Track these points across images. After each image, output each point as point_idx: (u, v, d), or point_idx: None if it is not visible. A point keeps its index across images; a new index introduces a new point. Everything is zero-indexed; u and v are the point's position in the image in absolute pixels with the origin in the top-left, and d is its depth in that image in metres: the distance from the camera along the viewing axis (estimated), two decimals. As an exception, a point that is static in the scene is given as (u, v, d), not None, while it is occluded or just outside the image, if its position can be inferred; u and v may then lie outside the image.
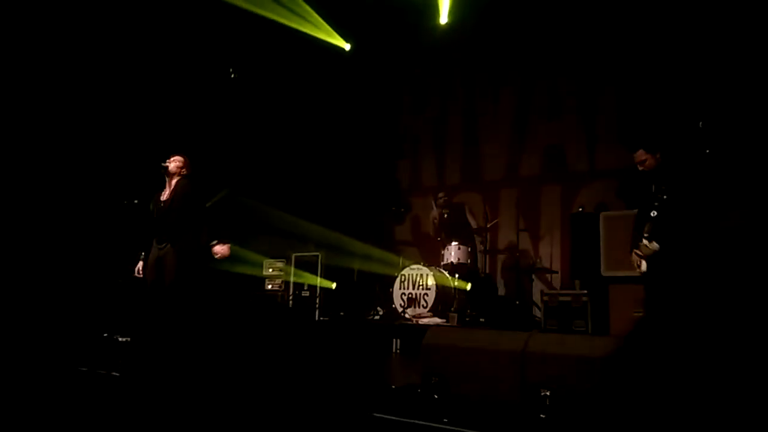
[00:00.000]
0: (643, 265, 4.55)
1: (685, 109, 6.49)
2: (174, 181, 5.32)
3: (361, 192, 9.08)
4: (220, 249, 5.07)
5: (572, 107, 7.74)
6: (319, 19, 8.09)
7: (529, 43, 7.94)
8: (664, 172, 4.60)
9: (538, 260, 7.73)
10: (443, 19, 7.71)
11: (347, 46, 8.52)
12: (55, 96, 7.24)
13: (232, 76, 7.91)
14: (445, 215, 7.47)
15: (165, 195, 5.30)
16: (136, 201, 6.44)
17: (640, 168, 4.73)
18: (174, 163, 5.30)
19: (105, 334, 5.92)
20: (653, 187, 4.59)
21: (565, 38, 7.65)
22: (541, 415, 3.49)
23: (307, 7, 7.90)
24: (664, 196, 4.46)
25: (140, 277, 5.23)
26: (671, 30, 6.81)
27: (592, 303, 6.11)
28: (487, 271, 7.71)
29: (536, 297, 7.36)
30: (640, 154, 4.71)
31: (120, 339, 5.85)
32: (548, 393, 3.71)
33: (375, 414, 3.47)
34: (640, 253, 4.52)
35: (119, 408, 3.70)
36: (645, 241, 4.49)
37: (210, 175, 6.25)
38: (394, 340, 6.52)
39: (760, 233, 5.14)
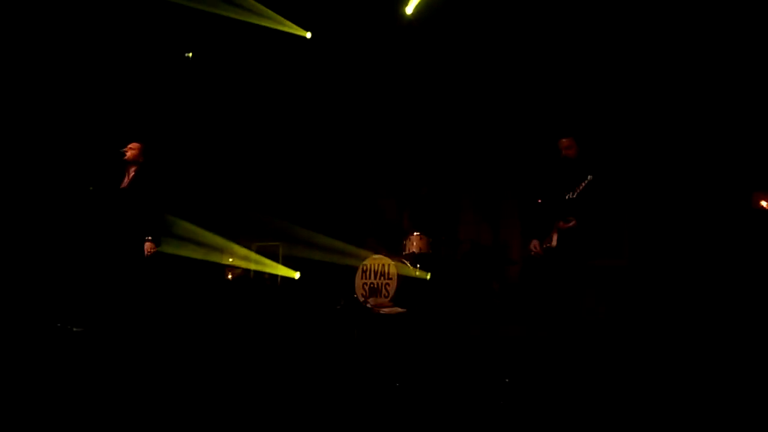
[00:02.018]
0: (554, 240, 5.02)
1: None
2: (132, 169, 5.26)
3: (325, 183, 9.04)
4: (149, 247, 5.15)
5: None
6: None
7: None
8: (585, 161, 5.01)
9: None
10: (409, 9, 7.66)
11: (308, 34, 8.42)
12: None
13: (189, 56, 7.79)
14: (422, 204, 7.49)
15: (124, 183, 5.24)
16: (91, 188, 6.36)
17: (563, 154, 5.10)
18: (131, 151, 5.25)
19: (58, 324, 5.77)
20: (571, 173, 4.98)
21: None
22: (501, 402, 3.56)
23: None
24: (586, 181, 4.83)
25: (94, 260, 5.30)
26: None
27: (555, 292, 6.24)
28: (449, 261, 7.79)
29: (496, 287, 7.49)
30: (570, 143, 5.02)
31: (75, 329, 5.72)
32: (508, 380, 3.79)
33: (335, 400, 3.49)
34: (560, 226, 4.93)
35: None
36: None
37: (170, 163, 6.17)
38: (355, 329, 6.55)
39: None
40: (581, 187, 4.89)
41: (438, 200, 7.71)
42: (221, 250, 7.95)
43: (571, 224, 4.91)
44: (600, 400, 3.47)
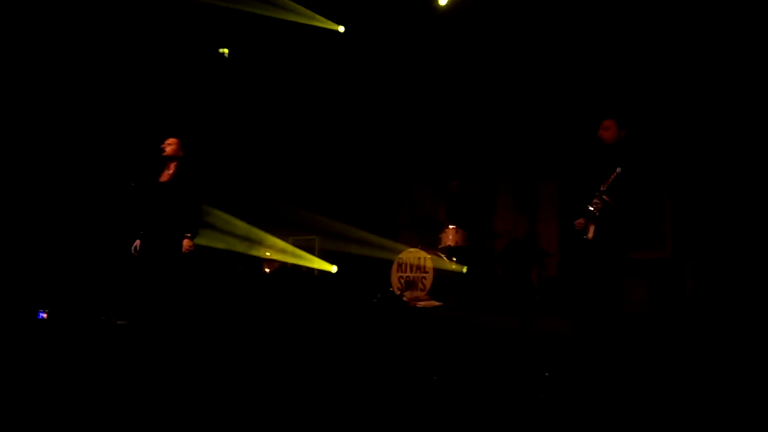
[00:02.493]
0: (591, 232, 4.83)
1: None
2: (172, 164, 5.35)
3: (360, 178, 9.06)
4: (187, 244, 5.19)
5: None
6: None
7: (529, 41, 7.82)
8: (620, 147, 4.83)
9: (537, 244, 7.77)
10: (442, 0, 7.61)
11: (341, 28, 8.42)
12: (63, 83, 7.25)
13: (225, 52, 7.92)
14: (455, 198, 7.47)
15: (164, 177, 5.33)
16: (132, 183, 6.50)
17: (599, 133, 4.94)
18: (170, 146, 5.36)
19: (103, 318, 5.91)
20: (605, 157, 4.84)
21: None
22: (540, 396, 3.52)
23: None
24: (615, 174, 4.70)
25: (136, 256, 5.38)
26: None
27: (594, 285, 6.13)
28: (485, 254, 7.73)
29: (534, 280, 7.42)
30: (609, 123, 4.88)
31: (118, 322, 5.85)
32: (547, 374, 3.74)
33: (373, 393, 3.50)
34: (592, 207, 4.79)
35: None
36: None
37: (208, 157, 6.27)
38: (392, 322, 6.56)
39: None
40: (610, 180, 4.78)
41: (471, 193, 7.66)
42: (260, 243, 8.04)
43: (597, 207, 4.80)
44: (639, 395, 3.40)
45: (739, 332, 4.33)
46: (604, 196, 4.75)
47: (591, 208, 4.82)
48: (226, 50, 7.92)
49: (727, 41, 6.30)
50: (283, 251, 8.08)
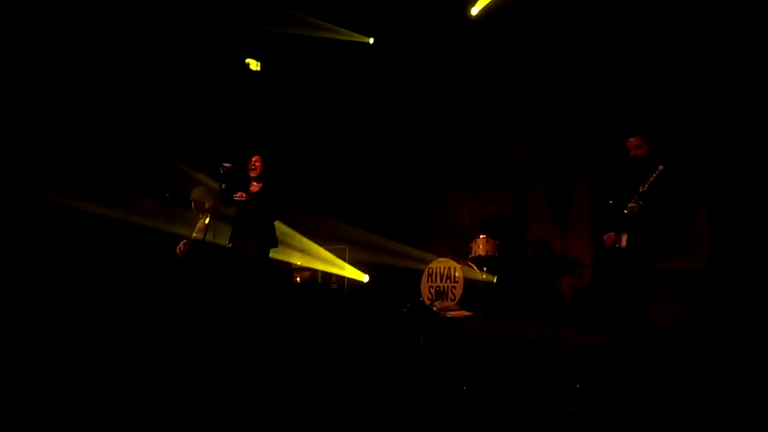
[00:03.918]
0: (624, 241, 4.85)
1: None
2: (258, 183, 5.72)
3: (391, 187, 9.09)
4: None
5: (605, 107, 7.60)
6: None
7: (563, 43, 7.77)
8: (656, 161, 4.80)
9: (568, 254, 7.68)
10: (474, 10, 7.62)
11: (371, 40, 8.51)
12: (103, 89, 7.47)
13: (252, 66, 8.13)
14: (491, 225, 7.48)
15: (253, 188, 5.68)
16: (167, 194, 6.72)
17: (632, 154, 4.94)
18: (258, 163, 5.71)
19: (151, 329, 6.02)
20: (642, 174, 4.81)
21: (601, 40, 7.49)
22: (572, 408, 3.47)
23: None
24: (657, 172, 4.69)
25: (178, 258, 5.81)
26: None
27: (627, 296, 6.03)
28: (516, 264, 7.67)
29: (566, 291, 7.32)
30: (638, 141, 4.91)
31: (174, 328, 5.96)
32: (578, 386, 3.69)
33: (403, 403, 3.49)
34: (626, 211, 4.79)
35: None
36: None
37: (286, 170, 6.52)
38: (422, 332, 6.54)
39: None
40: (652, 178, 4.72)
41: (508, 221, 7.62)
42: (302, 251, 8.09)
43: (633, 210, 4.74)
44: (672, 409, 3.33)
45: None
46: (640, 201, 4.70)
47: (626, 212, 4.76)
48: (252, 61, 8.07)
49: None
50: (318, 257, 8.12)
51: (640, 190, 4.73)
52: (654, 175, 4.71)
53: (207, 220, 6.21)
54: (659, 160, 4.82)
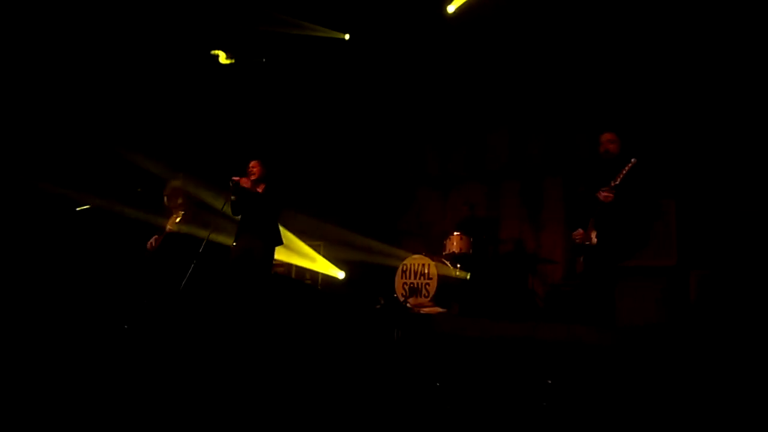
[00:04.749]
0: (593, 238, 4.92)
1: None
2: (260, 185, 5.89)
3: (363, 184, 9.07)
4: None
5: (578, 103, 7.68)
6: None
7: (539, 38, 7.83)
8: (627, 157, 4.87)
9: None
10: (451, 8, 7.63)
11: (347, 36, 8.48)
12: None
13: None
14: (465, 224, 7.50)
15: (259, 189, 5.87)
16: (139, 190, 6.65)
17: (603, 148, 5.02)
18: (257, 168, 5.90)
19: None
20: (613, 169, 4.88)
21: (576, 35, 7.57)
22: (544, 403, 3.51)
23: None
24: (630, 164, 4.74)
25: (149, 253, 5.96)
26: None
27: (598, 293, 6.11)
28: (489, 261, 7.72)
29: (538, 288, 7.40)
30: (613, 137, 4.99)
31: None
32: (550, 382, 3.73)
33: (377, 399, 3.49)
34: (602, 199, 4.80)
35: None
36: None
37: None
38: (396, 329, 6.54)
39: None
40: (625, 172, 4.76)
41: (481, 220, 7.66)
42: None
43: (609, 199, 4.78)
44: (643, 404, 3.38)
45: (738, 342, 4.31)
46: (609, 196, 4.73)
47: (601, 199, 4.78)
48: (222, 54, 8.01)
49: (734, 46, 6.30)
50: (297, 252, 8.07)
51: (612, 184, 4.77)
52: (627, 168, 4.76)
53: (179, 218, 6.18)
54: (630, 156, 4.89)
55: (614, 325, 4.89)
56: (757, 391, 3.40)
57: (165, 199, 6.41)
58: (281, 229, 6.14)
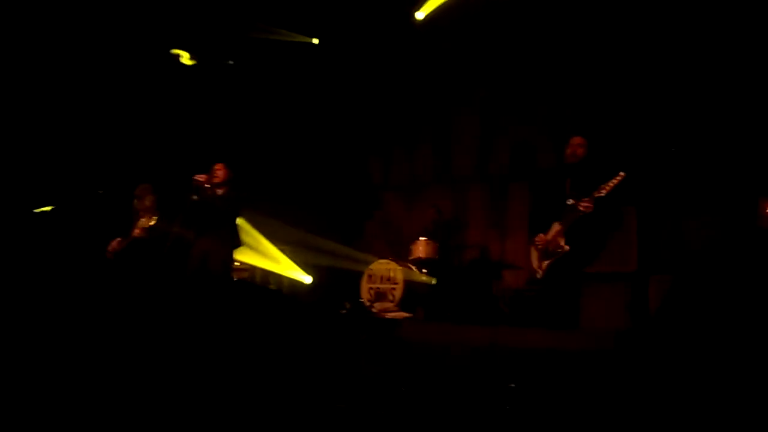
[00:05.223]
0: (563, 243, 4.96)
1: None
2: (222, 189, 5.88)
3: (329, 189, 9.05)
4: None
5: (542, 108, 7.79)
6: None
7: (503, 46, 7.94)
8: (592, 162, 4.99)
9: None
10: (420, 14, 7.69)
11: (315, 40, 8.47)
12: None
13: (230, 63, 8.05)
14: (431, 228, 7.51)
15: (221, 192, 5.87)
16: (101, 191, 6.50)
17: (568, 151, 5.08)
18: (220, 171, 5.89)
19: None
20: (578, 173, 4.99)
21: (538, 42, 7.69)
22: (507, 407, 3.53)
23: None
24: (618, 178, 4.74)
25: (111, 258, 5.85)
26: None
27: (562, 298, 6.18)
28: (455, 266, 7.76)
29: (502, 293, 7.46)
30: (582, 141, 5.03)
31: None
32: (513, 385, 3.76)
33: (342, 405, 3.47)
34: (582, 209, 4.82)
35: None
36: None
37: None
38: (361, 333, 6.53)
39: None
40: (612, 185, 4.75)
41: (448, 223, 7.71)
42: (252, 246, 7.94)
43: (588, 210, 4.78)
44: (605, 406, 3.43)
45: (696, 345, 4.41)
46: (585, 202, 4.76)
47: (581, 210, 4.78)
48: (185, 54, 7.93)
49: (697, 52, 6.47)
50: (264, 254, 7.97)
51: (596, 195, 4.76)
52: (615, 181, 4.73)
53: (153, 222, 6.05)
54: (595, 161, 4.96)
55: (578, 330, 4.95)
56: (714, 392, 3.49)
57: (134, 201, 6.26)
58: (251, 229, 6.12)
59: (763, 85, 5.98)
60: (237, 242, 5.97)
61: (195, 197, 5.72)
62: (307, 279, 8.05)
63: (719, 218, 5.93)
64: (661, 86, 6.66)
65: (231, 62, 8.46)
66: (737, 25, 6.17)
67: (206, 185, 5.70)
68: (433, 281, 7.18)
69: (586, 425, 3.19)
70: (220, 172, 5.88)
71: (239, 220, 6.14)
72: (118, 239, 6.15)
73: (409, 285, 6.95)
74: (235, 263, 7.97)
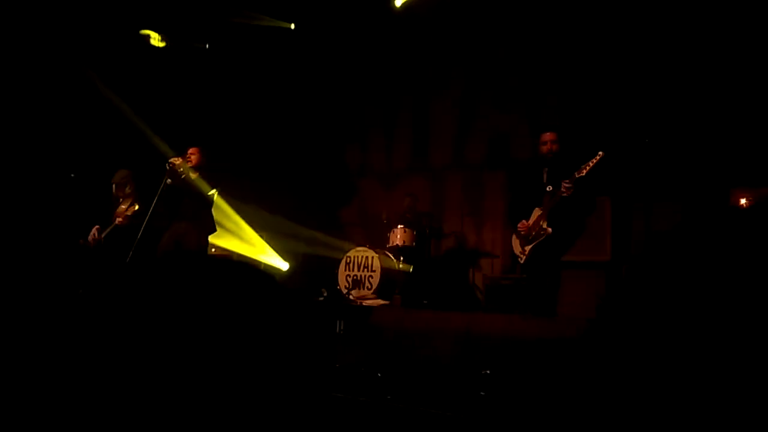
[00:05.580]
0: (545, 226, 5.02)
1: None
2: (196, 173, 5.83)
3: (306, 175, 9.01)
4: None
5: (519, 99, 7.83)
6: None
7: (481, 34, 7.97)
8: (564, 155, 5.09)
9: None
10: (398, 1, 7.66)
11: (292, 25, 8.40)
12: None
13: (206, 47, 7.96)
14: (408, 215, 7.51)
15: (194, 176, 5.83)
16: (72, 175, 6.38)
17: (544, 148, 5.15)
18: (194, 156, 5.86)
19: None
20: (549, 167, 5.09)
21: (515, 31, 7.73)
22: (481, 393, 3.59)
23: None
24: (597, 158, 4.82)
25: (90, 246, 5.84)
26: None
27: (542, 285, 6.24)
28: (431, 254, 7.81)
29: (478, 281, 7.54)
30: (554, 137, 5.13)
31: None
32: (488, 372, 3.81)
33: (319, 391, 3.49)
34: (564, 192, 4.87)
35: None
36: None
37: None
38: (338, 320, 6.53)
39: None
40: (592, 164, 4.81)
41: (423, 214, 7.72)
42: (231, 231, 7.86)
43: (569, 192, 4.83)
44: (578, 393, 3.50)
45: (668, 335, 4.51)
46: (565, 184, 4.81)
47: (562, 192, 4.84)
48: (154, 35, 7.82)
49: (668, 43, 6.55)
50: (243, 239, 7.91)
51: (577, 175, 4.83)
52: (594, 160, 4.81)
53: (135, 208, 5.96)
54: (570, 151, 5.03)
55: (553, 317, 5.02)
56: (679, 381, 3.57)
57: (113, 187, 6.15)
58: (231, 213, 6.08)
59: (738, 76, 6.08)
60: (212, 227, 5.89)
61: (169, 181, 5.65)
62: (284, 265, 8.03)
63: (690, 207, 6.04)
64: (637, 76, 6.74)
65: (206, 46, 8.36)
66: (711, 16, 6.26)
67: (180, 169, 5.62)
68: (410, 269, 7.21)
69: (559, 411, 3.25)
70: (193, 156, 5.85)
71: (217, 203, 6.07)
72: (97, 227, 6.05)
73: (386, 272, 6.98)
74: (212, 249, 7.92)
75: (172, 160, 5.66)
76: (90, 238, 6.01)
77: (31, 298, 5.63)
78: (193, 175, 5.78)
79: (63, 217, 6.74)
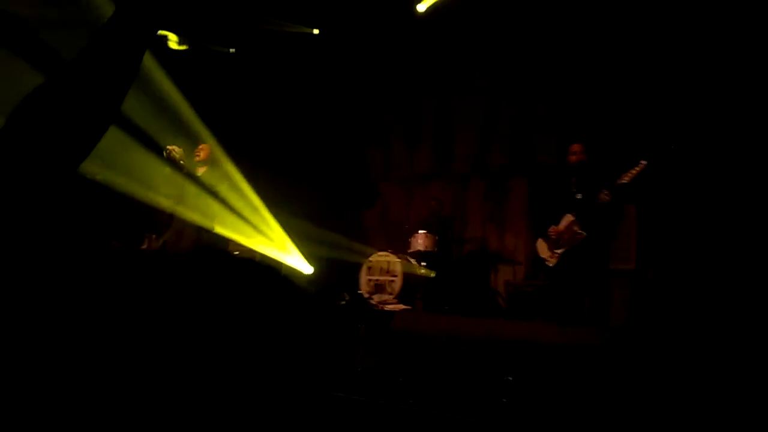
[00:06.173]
0: (577, 228, 5.02)
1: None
2: (203, 168, 6.01)
3: (329, 180, 9.06)
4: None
5: (543, 104, 7.80)
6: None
7: (504, 38, 7.96)
8: (588, 168, 5.16)
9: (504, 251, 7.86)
10: (421, 7, 7.69)
11: (315, 31, 8.46)
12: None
13: (232, 51, 8.05)
14: (431, 220, 7.51)
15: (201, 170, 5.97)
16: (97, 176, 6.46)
17: (572, 158, 5.23)
18: (203, 152, 6.05)
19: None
20: (575, 178, 5.16)
21: (539, 38, 7.70)
22: (504, 399, 3.57)
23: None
24: (640, 167, 4.82)
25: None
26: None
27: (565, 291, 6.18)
28: (454, 260, 7.79)
29: (500, 287, 7.50)
30: (581, 148, 5.19)
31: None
32: (510, 378, 3.79)
33: (340, 394, 3.50)
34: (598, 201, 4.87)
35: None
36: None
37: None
38: (360, 324, 6.54)
39: None
40: (635, 173, 4.79)
41: (447, 219, 7.71)
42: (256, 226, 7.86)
43: (608, 200, 4.83)
44: (601, 402, 3.47)
45: (690, 345, 4.44)
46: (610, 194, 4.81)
47: (603, 200, 4.83)
48: (173, 37, 7.90)
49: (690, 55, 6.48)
50: (270, 238, 7.93)
51: (618, 183, 4.81)
52: (637, 169, 4.79)
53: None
54: (596, 167, 5.02)
55: (608, 327, 5.00)
56: (708, 386, 3.52)
57: (173, 163, 6.09)
58: (263, 210, 6.14)
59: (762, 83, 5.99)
60: (209, 224, 5.96)
61: (168, 170, 5.71)
62: (308, 269, 8.06)
63: (713, 215, 5.95)
64: (662, 85, 6.67)
65: (232, 51, 8.44)
66: (738, 22, 6.17)
67: (181, 161, 5.68)
68: (432, 274, 7.20)
69: (581, 419, 3.22)
70: (202, 152, 6.03)
71: (250, 199, 6.18)
72: (152, 235, 5.99)
73: (408, 277, 6.97)
74: (236, 251, 7.97)
75: (169, 147, 5.71)
76: (147, 246, 5.84)
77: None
78: (200, 170, 5.89)
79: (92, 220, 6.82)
